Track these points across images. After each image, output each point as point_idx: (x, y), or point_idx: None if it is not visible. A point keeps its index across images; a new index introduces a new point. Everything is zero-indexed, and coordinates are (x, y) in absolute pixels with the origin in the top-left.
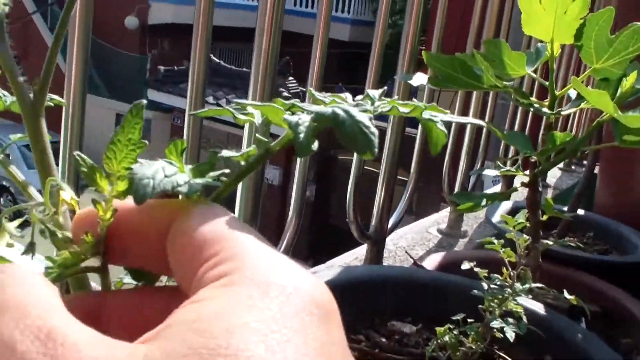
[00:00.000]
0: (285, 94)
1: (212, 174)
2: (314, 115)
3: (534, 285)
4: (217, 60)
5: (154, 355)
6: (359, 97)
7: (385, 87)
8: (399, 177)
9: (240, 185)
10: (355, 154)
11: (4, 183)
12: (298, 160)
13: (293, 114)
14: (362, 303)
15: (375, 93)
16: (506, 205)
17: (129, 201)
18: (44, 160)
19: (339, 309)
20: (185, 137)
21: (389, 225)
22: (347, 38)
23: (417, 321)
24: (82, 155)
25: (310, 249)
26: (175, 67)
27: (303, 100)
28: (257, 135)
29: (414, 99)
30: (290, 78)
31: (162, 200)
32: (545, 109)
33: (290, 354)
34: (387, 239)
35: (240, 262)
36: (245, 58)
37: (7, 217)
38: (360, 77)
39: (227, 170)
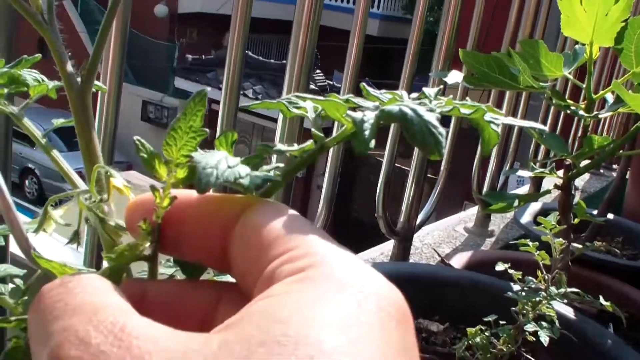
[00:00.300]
0: (312, 86)
1: (265, 167)
2: (380, 113)
3: (569, 289)
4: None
5: (230, 342)
6: (414, 95)
7: (442, 86)
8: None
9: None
10: (386, 151)
11: (29, 165)
12: (330, 153)
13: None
14: None
15: (431, 92)
16: (534, 207)
17: (190, 191)
18: (90, 147)
19: None
20: (219, 127)
21: (417, 222)
22: (376, 33)
23: (444, 320)
24: (142, 141)
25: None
26: (203, 56)
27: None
28: (313, 130)
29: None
30: (318, 71)
31: (228, 195)
32: (581, 112)
33: (374, 349)
34: (414, 236)
35: (315, 259)
36: (272, 49)
37: (52, 205)
38: (388, 73)
39: (281, 165)
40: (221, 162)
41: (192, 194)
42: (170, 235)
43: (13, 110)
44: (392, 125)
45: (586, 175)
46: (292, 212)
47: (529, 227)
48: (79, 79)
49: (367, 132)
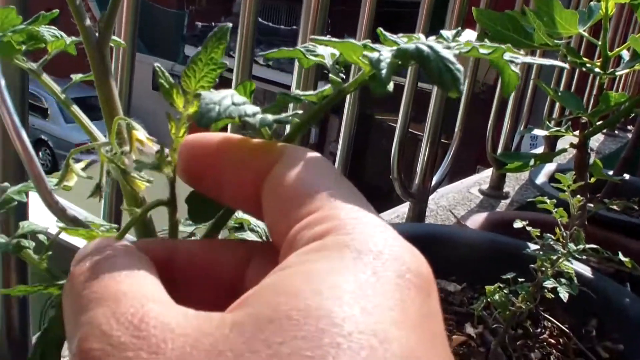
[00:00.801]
0: None
1: (283, 114)
2: (396, 52)
3: (587, 246)
4: None
5: (241, 322)
6: (432, 37)
7: (460, 28)
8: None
9: None
10: (400, 114)
11: (42, 137)
12: (344, 116)
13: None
14: None
15: (449, 34)
16: (549, 168)
17: (231, 135)
18: (110, 98)
19: None
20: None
21: (432, 184)
22: None
23: (461, 280)
24: (162, 68)
25: None
26: (213, 23)
27: None
28: (331, 75)
29: None
30: (328, 36)
31: (266, 142)
32: (597, 69)
33: (387, 319)
34: (429, 198)
35: (335, 224)
36: (282, 15)
37: (74, 159)
38: None
39: (300, 111)
40: (225, 98)
41: (233, 137)
42: (209, 177)
43: (32, 66)
44: (405, 87)
45: (601, 137)
46: (325, 164)
47: (545, 187)
48: (96, 33)
49: (384, 72)
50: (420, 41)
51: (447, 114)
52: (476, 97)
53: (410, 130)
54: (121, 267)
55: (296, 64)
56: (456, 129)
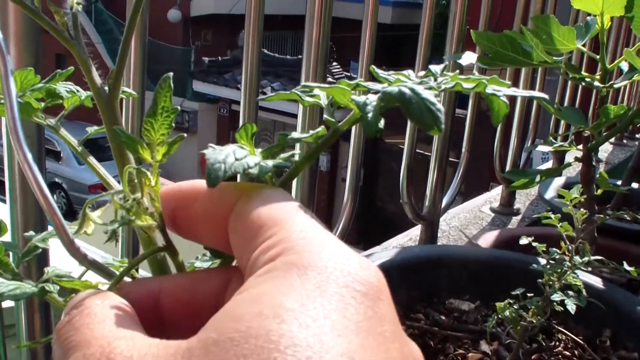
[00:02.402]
0: (330, 79)
1: (282, 155)
2: (381, 95)
3: (592, 258)
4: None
5: (192, 347)
6: (422, 73)
7: (447, 62)
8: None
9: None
10: (406, 137)
11: (56, 179)
12: (351, 144)
13: (359, 93)
14: (420, 282)
15: (437, 68)
16: (558, 182)
17: (200, 182)
18: (122, 149)
19: (398, 289)
20: (241, 124)
21: (442, 205)
22: (390, 20)
23: (474, 299)
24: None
25: (360, 233)
26: (219, 58)
27: None
28: (325, 116)
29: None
30: (335, 63)
31: (229, 183)
32: (597, 83)
33: (326, 329)
34: (440, 219)
35: (286, 246)
36: (287, 45)
37: (90, 207)
38: (403, 60)
39: (297, 151)
40: (229, 156)
41: (202, 183)
42: (184, 222)
43: (50, 122)
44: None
45: (609, 147)
46: (285, 197)
47: (553, 201)
48: (106, 88)
49: (370, 115)
50: (403, 84)
51: (455, 133)
52: (484, 115)
53: (419, 151)
54: (95, 314)
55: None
56: (463, 150)
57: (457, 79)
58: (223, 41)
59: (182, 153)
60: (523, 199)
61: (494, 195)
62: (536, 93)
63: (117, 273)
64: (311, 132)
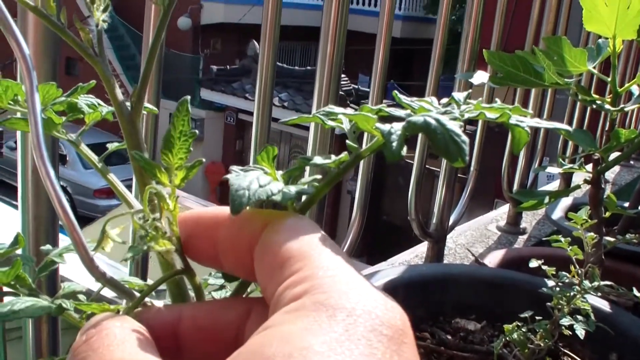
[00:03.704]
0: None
1: (303, 180)
2: (406, 124)
3: (602, 283)
4: None
5: None
6: (444, 100)
7: (470, 90)
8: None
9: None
10: (416, 154)
11: (62, 183)
12: (361, 161)
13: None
14: (427, 301)
15: (460, 96)
16: (565, 202)
17: (220, 209)
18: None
19: (405, 307)
20: (253, 138)
21: (450, 223)
22: (399, 34)
23: (481, 318)
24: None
25: (364, 245)
26: (228, 67)
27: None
28: (348, 142)
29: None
30: (342, 76)
31: (254, 211)
32: (607, 106)
33: None
34: (447, 237)
35: (313, 284)
36: (296, 56)
37: (110, 225)
38: (412, 74)
39: (318, 176)
40: (253, 182)
41: (225, 210)
42: (206, 249)
43: (71, 137)
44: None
45: (617, 168)
46: (312, 228)
47: (561, 222)
48: (128, 104)
49: (394, 144)
50: (428, 113)
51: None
52: (492, 131)
53: (428, 166)
54: (115, 336)
55: (313, 107)
56: (472, 168)
57: (480, 108)
58: (232, 50)
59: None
60: (529, 218)
61: (501, 213)
62: (559, 125)
63: (133, 291)
64: (333, 157)
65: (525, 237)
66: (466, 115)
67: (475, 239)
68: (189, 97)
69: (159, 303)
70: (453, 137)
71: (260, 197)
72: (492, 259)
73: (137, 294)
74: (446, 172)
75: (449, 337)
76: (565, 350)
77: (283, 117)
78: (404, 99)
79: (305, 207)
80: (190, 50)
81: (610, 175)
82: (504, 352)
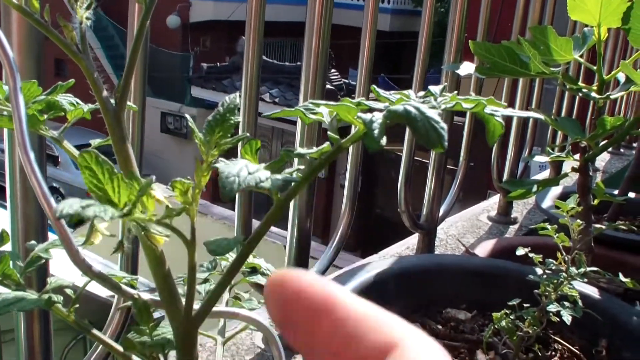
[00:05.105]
0: (329, 86)
1: (287, 170)
2: (387, 113)
3: (588, 269)
4: None
5: None
6: (421, 93)
7: (446, 83)
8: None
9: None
10: (405, 147)
11: (54, 184)
12: (349, 153)
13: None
14: (417, 291)
15: (436, 89)
16: (556, 191)
17: (340, 293)
18: (128, 162)
19: (395, 298)
20: (240, 132)
21: (440, 214)
22: (388, 28)
23: (471, 308)
24: (193, 124)
25: (358, 240)
26: (218, 64)
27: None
28: (329, 133)
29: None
30: (333, 70)
31: (378, 314)
32: (594, 94)
33: None
34: (438, 228)
35: None
36: (286, 52)
37: (97, 220)
38: (403, 67)
39: (302, 167)
40: (242, 169)
41: (340, 295)
42: (305, 336)
43: (54, 134)
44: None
45: (607, 156)
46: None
47: (550, 211)
48: (112, 101)
49: (376, 132)
50: (408, 102)
51: (453, 141)
52: (482, 123)
53: (417, 158)
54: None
55: (300, 101)
56: (461, 159)
57: (456, 99)
58: (222, 47)
59: (181, 158)
60: (520, 208)
61: (491, 204)
62: (532, 114)
63: (121, 285)
64: (315, 148)
65: (516, 226)
66: (443, 106)
67: (466, 230)
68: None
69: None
70: (432, 124)
71: (249, 183)
72: (483, 249)
73: (128, 288)
74: (435, 163)
75: (440, 327)
76: (555, 338)
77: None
78: (382, 92)
79: (289, 197)
80: (180, 49)
81: (600, 163)
82: (494, 340)
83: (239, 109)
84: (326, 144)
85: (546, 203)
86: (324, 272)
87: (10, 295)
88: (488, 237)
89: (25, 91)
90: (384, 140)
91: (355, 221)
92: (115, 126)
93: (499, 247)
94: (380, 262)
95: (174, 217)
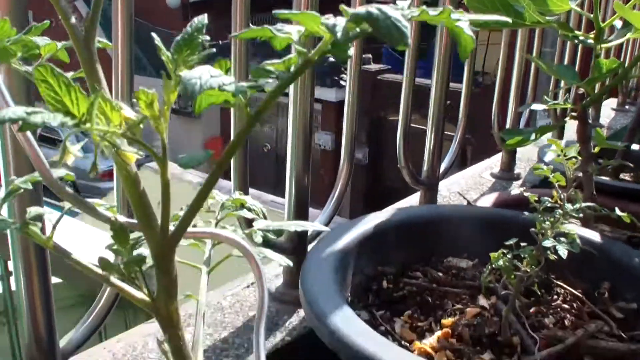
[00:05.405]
0: (331, 58)
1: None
2: (350, 17)
3: (584, 204)
4: None
5: None
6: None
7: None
8: (447, 132)
9: (290, 149)
10: (402, 98)
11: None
12: (347, 98)
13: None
14: (418, 241)
15: (404, 3)
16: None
17: None
18: (98, 85)
19: (395, 249)
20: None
21: (441, 170)
22: None
23: (473, 257)
24: (160, 43)
25: (366, 211)
26: (220, 42)
27: None
28: (296, 46)
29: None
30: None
31: None
32: (590, 41)
33: None
34: (441, 185)
35: None
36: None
37: (70, 141)
38: None
39: (270, 80)
40: (204, 73)
41: None
42: None
43: (28, 69)
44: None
45: (611, 113)
46: None
47: (553, 163)
48: (82, 30)
49: (339, 34)
50: (371, 5)
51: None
52: (488, 89)
53: (417, 125)
54: None
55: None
56: (460, 114)
57: (422, 9)
58: (222, 25)
59: (187, 137)
60: (524, 164)
61: (494, 161)
62: (497, 17)
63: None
64: (283, 59)
65: (519, 182)
66: (410, 15)
67: (469, 187)
68: None
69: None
70: (395, 23)
71: (212, 86)
72: (484, 202)
73: (104, 212)
74: (434, 118)
75: (440, 274)
76: (558, 282)
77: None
78: (350, 9)
79: (259, 113)
80: (181, 28)
81: (605, 120)
82: (495, 285)
83: (207, 28)
84: (293, 55)
85: (549, 157)
86: (326, 224)
87: None
88: (491, 192)
89: None
90: (351, 51)
91: (366, 194)
92: (85, 54)
93: (500, 199)
94: (378, 213)
95: (137, 127)
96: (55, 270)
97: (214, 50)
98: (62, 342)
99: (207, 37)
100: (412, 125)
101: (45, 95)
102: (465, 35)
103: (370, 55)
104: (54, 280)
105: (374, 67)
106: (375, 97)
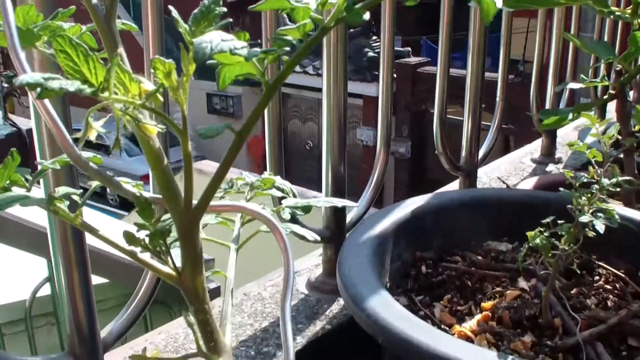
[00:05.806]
0: (371, 53)
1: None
2: None
3: (621, 178)
4: None
5: None
6: None
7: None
8: (486, 122)
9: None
10: (437, 85)
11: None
12: (380, 88)
13: None
14: (457, 226)
15: None
16: (600, 128)
17: None
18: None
19: (434, 233)
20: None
21: (479, 155)
22: None
23: (512, 240)
24: (177, 15)
25: None
26: (259, 40)
27: None
28: (312, 14)
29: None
30: (374, 37)
31: None
32: (626, 15)
33: None
34: (480, 172)
35: None
36: None
37: (93, 117)
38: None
39: (286, 48)
40: (215, 37)
41: None
42: None
43: (52, 52)
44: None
45: None
46: None
47: (594, 146)
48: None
49: None
50: None
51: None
52: (528, 77)
53: (458, 117)
54: None
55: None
56: (497, 98)
57: None
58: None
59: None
60: (565, 149)
61: (535, 147)
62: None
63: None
64: (297, 24)
65: (560, 166)
66: None
67: (509, 173)
68: None
69: None
70: None
71: (222, 49)
72: (525, 185)
73: (130, 188)
74: (470, 102)
75: (479, 257)
76: (600, 263)
77: (319, 84)
78: None
79: (278, 81)
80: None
81: None
82: (535, 268)
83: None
84: (308, 21)
85: (589, 139)
86: (364, 212)
87: (14, 193)
88: (531, 177)
89: (24, 14)
90: (367, 15)
91: (409, 187)
92: (106, 31)
93: (540, 183)
94: (416, 198)
95: (157, 98)
96: (101, 270)
97: (231, 20)
98: (103, 333)
99: (224, 9)
100: (452, 117)
101: (64, 65)
102: (489, 1)
103: (409, 49)
104: (100, 280)
105: (413, 60)
106: (416, 91)
